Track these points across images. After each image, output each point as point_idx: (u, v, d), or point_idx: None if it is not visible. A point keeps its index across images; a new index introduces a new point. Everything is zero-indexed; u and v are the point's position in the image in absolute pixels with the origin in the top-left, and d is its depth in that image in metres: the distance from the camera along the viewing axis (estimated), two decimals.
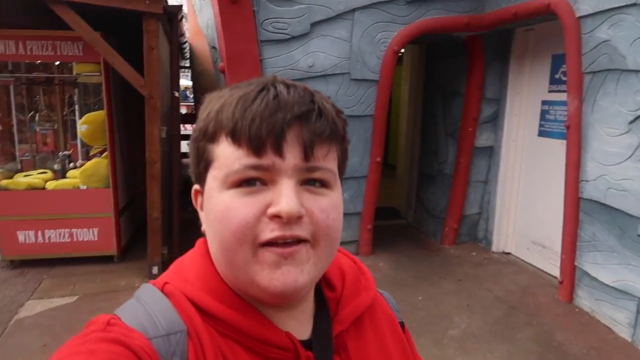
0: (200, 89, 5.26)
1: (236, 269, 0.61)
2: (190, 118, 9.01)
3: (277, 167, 0.58)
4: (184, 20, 5.99)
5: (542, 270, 4.66)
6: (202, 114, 0.64)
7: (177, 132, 4.72)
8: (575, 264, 3.86)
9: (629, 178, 3.28)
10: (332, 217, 0.61)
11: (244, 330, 0.62)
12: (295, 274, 0.59)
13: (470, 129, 5.04)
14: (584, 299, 3.83)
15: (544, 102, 4.58)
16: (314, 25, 4.09)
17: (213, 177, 0.62)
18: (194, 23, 5.69)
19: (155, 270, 4.39)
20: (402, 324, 0.82)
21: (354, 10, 4.14)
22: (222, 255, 0.62)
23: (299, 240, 0.59)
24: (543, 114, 4.61)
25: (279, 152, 0.58)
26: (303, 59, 4.12)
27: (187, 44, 6.54)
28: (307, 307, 0.70)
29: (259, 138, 0.57)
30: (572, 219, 3.83)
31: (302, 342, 0.65)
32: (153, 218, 4.34)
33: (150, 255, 4.39)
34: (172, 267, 0.69)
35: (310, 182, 0.61)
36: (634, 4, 3.07)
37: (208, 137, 0.62)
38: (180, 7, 4.34)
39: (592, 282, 3.72)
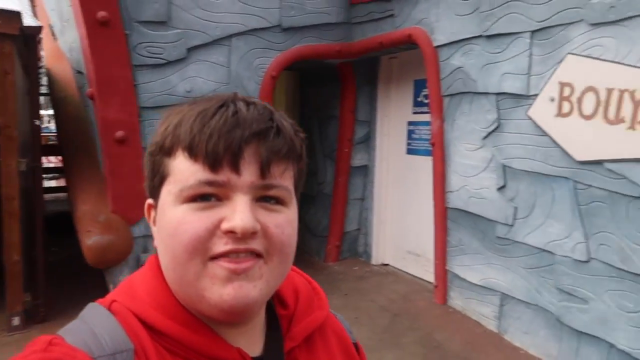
0: (63, 117, 4.82)
1: (186, 284, 0.60)
2: (49, 149, 8.20)
3: (232, 184, 0.58)
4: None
5: (418, 277, 5.03)
6: (160, 128, 0.64)
7: (39, 165, 4.25)
8: (447, 268, 4.24)
9: (485, 187, 3.73)
10: (287, 233, 0.62)
11: (193, 347, 0.61)
12: (247, 289, 0.58)
13: (346, 150, 5.33)
14: (456, 299, 4.21)
15: (409, 123, 5.03)
16: (190, 50, 4.03)
17: (167, 192, 0.61)
18: (52, 46, 5.24)
19: (16, 321, 3.85)
20: (356, 345, 0.83)
21: (230, 36, 4.17)
22: (172, 270, 0.61)
23: (252, 255, 0.59)
24: (409, 134, 5.05)
25: (236, 168, 0.58)
26: (180, 84, 4.03)
27: (43, 68, 5.98)
28: (259, 324, 0.69)
29: (216, 154, 0.57)
30: (441, 227, 4.22)
31: (254, 359, 0.65)
32: (12, 262, 3.82)
33: (9, 305, 3.85)
34: (121, 284, 0.67)
35: (265, 199, 0.61)
36: (480, 36, 3.56)
37: (165, 151, 0.62)
38: (40, 28, 3.96)
39: (462, 282, 4.11)
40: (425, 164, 4.68)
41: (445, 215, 4.17)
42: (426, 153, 4.71)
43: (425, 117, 4.60)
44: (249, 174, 0.58)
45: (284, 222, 0.62)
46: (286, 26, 4.41)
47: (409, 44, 4.21)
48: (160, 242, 0.63)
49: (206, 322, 0.63)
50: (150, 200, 0.67)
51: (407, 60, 4.89)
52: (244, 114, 0.60)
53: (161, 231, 0.62)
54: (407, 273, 5.21)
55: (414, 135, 4.99)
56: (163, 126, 0.63)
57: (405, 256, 5.26)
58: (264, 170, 0.59)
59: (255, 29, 4.28)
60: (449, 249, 4.19)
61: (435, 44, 3.95)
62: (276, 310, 0.72)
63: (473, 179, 3.83)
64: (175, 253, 0.59)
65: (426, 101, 4.54)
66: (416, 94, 4.90)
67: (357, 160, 5.45)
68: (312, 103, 5.93)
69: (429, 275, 4.67)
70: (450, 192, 4.08)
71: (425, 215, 4.62)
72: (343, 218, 5.53)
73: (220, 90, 4.21)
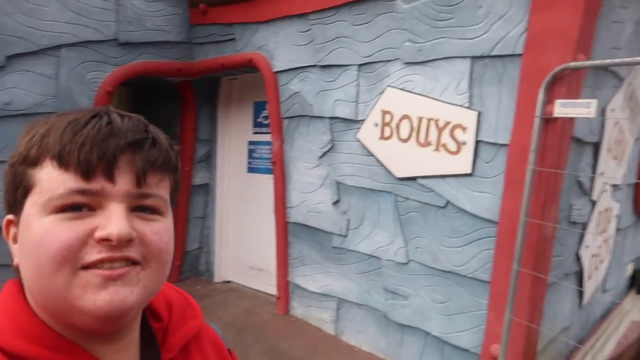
0: None
1: (54, 296, 0.56)
2: None
3: (106, 192, 0.57)
4: None
5: (261, 291, 5.19)
6: (24, 139, 0.61)
7: None
8: (288, 279, 4.49)
9: (322, 202, 4.08)
10: (164, 240, 0.62)
11: None
12: (124, 294, 0.57)
13: (187, 168, 5.28)
14: (298, 308, 4.48)
15: (250, 143, 5.22)
16: (10, 58, 3.64)
17: (33, 203, 0.58)
18: None
19: None
20: (229, 351, 0.87)
21: (60, 46, 3.88)
22: (37, 283, 0.57)
23: (128, 264, 0.58)
24: (250, 153, 5.23)
25: (110, 177, 0.57)
26: None
27: None
28: (133, 339, 0.68)
29: (89, 162, 0.56)
30: (282, 241, 4.46)
31: None
32: None
33: None
34: None
35: (142, 209, 0.60)
36: (315, 65, 3.92)
37: (29, 161, 0.59)
38: None
39: (302, 292, 4.39)
40: (265, 181, 4.90)
41: (286, 230, 4.43)
42: (266, 171, 4.94)
43: (265, 137, 4.84)
44: (124, 182, 0.58)
45: (162, 229, 0.62)
46: (123, 41, 4.26)
47: (250, 67, 4.41)
48: (23, 256, 0.59)
49: (78, 342, 0.60)
50: (10, 216, 0.62)
51: (247, 83, 5.09)
52: (118, 124, 0.59)
53: (25, 244, 0.58)
54: (250, 288, 5.34)
55: (255, 155, 5.20)
56: (27, 137, 0.61)
57: (247, 272, 5.39)
58: (139, 180, 0.59)
59: (89, 41, 4.05)
60: (290, 261, 4.44)
61: (275, 69, 4.22)
62: (150, 324, 0.72)
63: (311, 194, 4.16)
64: (40, 263, 0.55)
65: (266, 122, 4.79)
66: (256, 115, 5.12)
67: (198, 178, 5.44)
68: (151, 120, 5.74)
69: (272, 288, 4.86)
70: (291, 207, 4.35)
71: (266, 231, 4.82)
72: (184, 237, 5.45)
73: (46, 104, 3.88)
